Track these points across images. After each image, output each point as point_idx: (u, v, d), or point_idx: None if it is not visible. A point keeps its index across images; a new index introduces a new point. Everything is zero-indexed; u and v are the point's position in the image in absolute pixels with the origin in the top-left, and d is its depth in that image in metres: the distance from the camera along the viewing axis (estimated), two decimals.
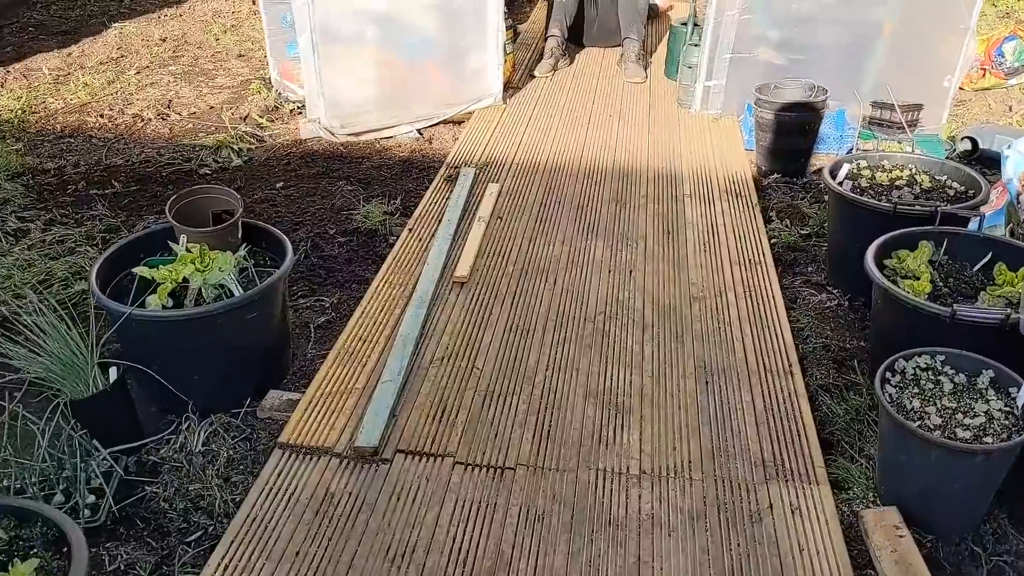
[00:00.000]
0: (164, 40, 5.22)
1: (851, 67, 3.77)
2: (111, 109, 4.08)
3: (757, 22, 3.71)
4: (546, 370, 2.12)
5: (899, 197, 2.30)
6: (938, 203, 2.20)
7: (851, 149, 3.49)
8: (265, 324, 2.02)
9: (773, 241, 2.81)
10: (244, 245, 2.14)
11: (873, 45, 3.73)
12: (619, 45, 4.64)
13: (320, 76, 3.45)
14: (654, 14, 5.60)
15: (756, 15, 3.69)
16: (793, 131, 3.14)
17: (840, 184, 2.43)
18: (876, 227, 2.26)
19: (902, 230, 2.06)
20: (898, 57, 3.75)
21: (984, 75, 4.10)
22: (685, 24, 4.27)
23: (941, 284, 1.94)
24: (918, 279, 1.92)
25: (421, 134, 3.79)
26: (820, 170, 2.96)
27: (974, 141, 3.30)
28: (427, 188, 3.17)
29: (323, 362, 2.15)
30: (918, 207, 2.15)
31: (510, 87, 4.28)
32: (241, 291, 1.95)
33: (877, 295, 1.92)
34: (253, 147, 3.64)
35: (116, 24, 5.51)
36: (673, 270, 2.60)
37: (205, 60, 4.87)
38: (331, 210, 3.05)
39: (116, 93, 4.30)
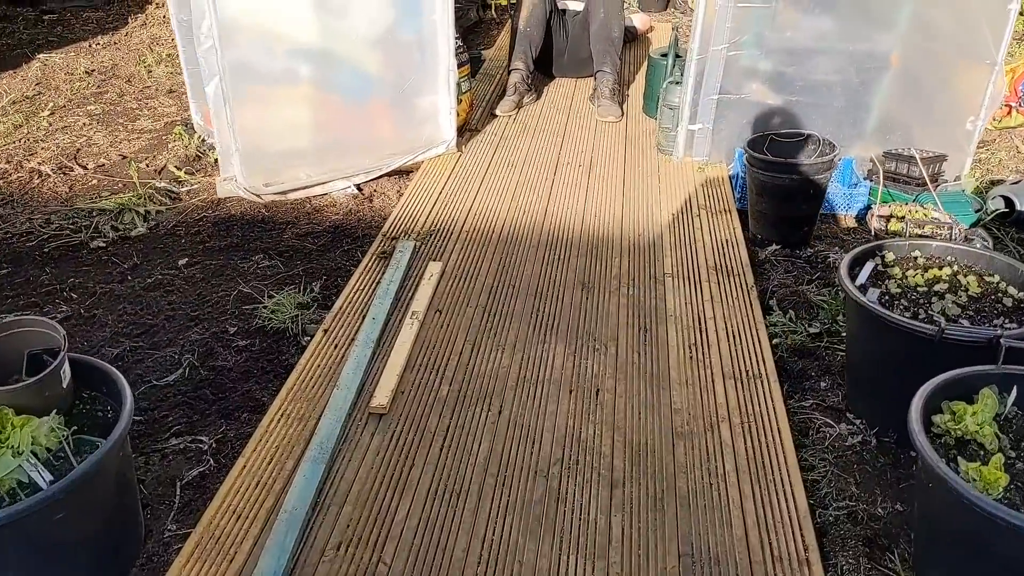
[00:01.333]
0: (90, 73, 4.65)
1: (857, 107, 3.26)
2: (8, 162, 3.51)
3: (748, 56, 3.20)
4: (477, 565, 1.57)
5: (943, 311, 1.77)
6: (999, 327, 1.67)
7: (863, 210, 2.97)
8: (88, 518, 1.47)
9: (775, 342, 2.28)
10: (71, 392, 1.59)
11: (880, 81, 3.22)
12: (592, 76, 4.12)
13: (235, 129, 2.90)
14: (631, 37, 5.08)
15: (745, 50, 3.18)
16: (795, 196, 2.62)
17: (863, 287, 1.90)
18: (914, 354, 1.74)
19: (954, 374, 1.53)
20: (911, 95, 3.24)
21: (1009, 113, 3.60)
22: (665, 56, 3.74)
23: (1017, 458, 1.41)
24: (984, 455, 1.40)
25: (360, 190, 3.24)
26: (837, 267, 2.45)
27: (1010, 201, 2.79)
28: (357, 265, 2.62)
29: (179, 553, 1.60)
30: (972, 334, 1.63)
31: (467, 129, 3.74)
32: (46, 481, 1.40)
33: (927, 475, 1.40)
34: (163, 209, 3.08)
35: (42, 55, 4.94)
36: (650, 389, 2.06)
37: (131, 97, 4.30)
38: (237, 299, 2.49)
39: (20, 140, 3.73)
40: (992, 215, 2.81)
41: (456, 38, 3.57)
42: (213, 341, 2.30)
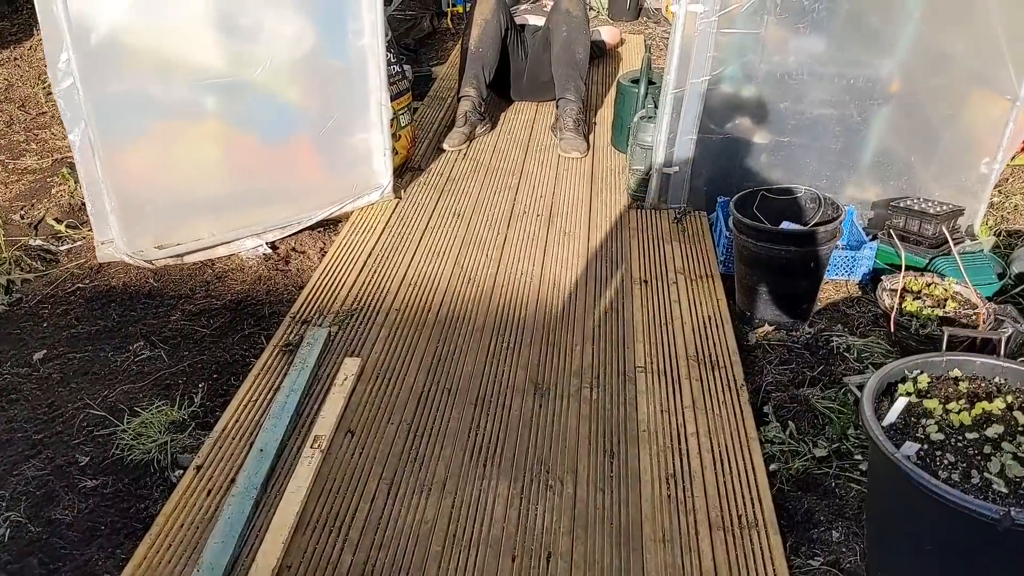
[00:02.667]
0: None
1: (855, 147, 2.81)
2: None
3: (732, 90, 2.73)
4: None
5: (1002, 471, 1.31)
6: None
7: (867, 274, 2.52)
8: None
9: (773, 468, 1.81)
10: None
11: (880, 115, 2.77)
12: (554, 100, 3.64)
13: (110, 183, 2.37)
14: (600, 53, 4.60)
15: (730, 83, 2.71)
16: (792, 271, 2.16)
17: (892, 432, 1.43)
18: (966, 536, 1.28)
19: None
20: (916, 132, 2.80)
21: (1023, 150, 3.18)
22: (636, 82, 3.27)
23: None
24: None
25: (275, 249, 2.73)
26: (856, 396, 2.00)
27: None
28: (259, 356, 2.11)
29: None
30: None
31: (409, 167, 3.24)
32: None
33: None
34: (32, 278, 2.54)
35: None
36: (617, 551, 1.59)
37: (20, 127, 3.73)
38: (95, 414, 1.97)
39: None
40: (1014, 277, 2.38)
41: (393, 63, 3.07)
42: (55, 479, 1.78)
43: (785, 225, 2.24)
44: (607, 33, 4.65)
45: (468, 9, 5.09)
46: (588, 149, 3.40)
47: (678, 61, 2.66)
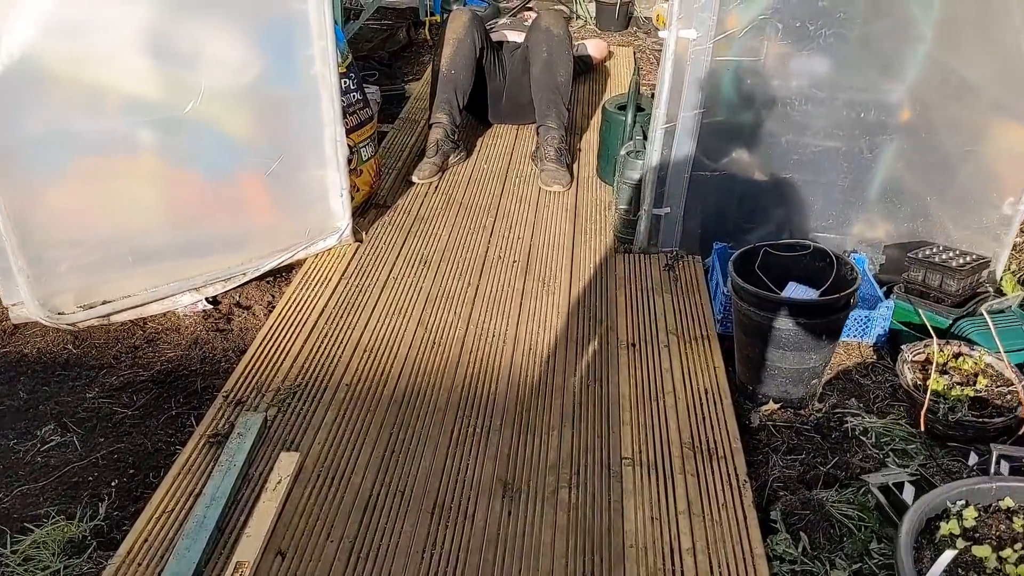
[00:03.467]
0: None
1: (864, 184, 2.53)
2: None
3: (729, 122, 2.44)
4: None
5: None
6: None
7: (883, 336, 2.25)
8: None
9: None
10: None
11: (891, 147, 2.49)
12: (535, 122, 3.35)
13: (14, 238, 2.05)
14: (585, 68, 4.31)
15: (726, 115, 2.42)
16: (801, 345, 1.87)
17: None
18: None
19: None
20: (929, 165, 2.52)
21: None
22: (623, 109, 2.98)
23: None
24: None
25: (216, 305, 2.42)
26: (878, 500, 1.72)
27: None
28: (186, 442, 1.81)
29: None
30: None
31: (374, 204, 2.94)
32: None
33: None
34: None
35: None
36: None
37: None
38: None
39: None
40: None
41: (353, 90, 2.77)
42: None
43: (792, 291, 1.96)
44: (594, 47, 4.35)
45: (444, 19, 4.81)
46: (571, 181, 3.10)
47: (668, 92, 2.37)
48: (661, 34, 2.29)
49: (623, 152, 2.70)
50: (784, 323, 1.84)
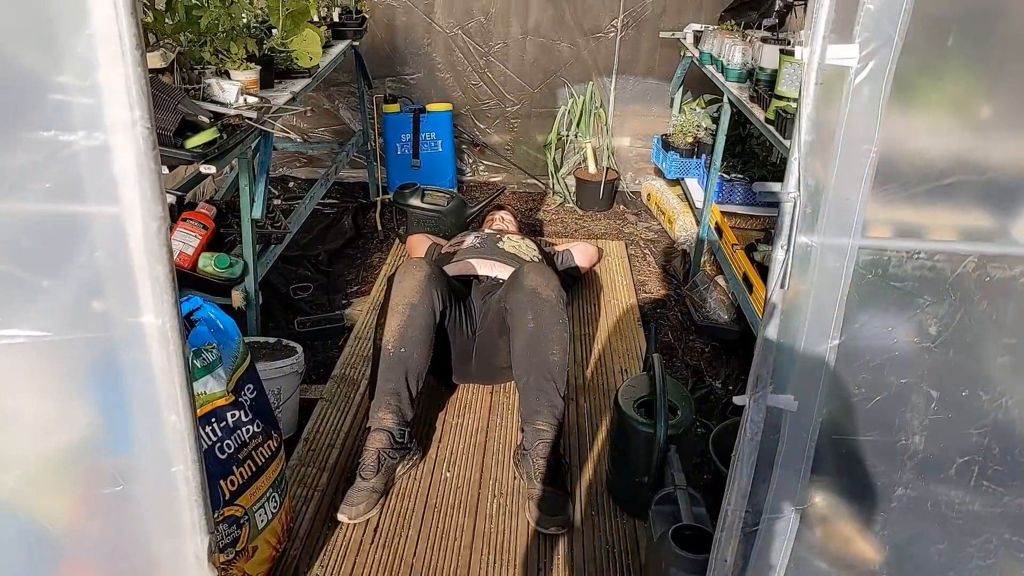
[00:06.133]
0: None
1: None
2: None
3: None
4: None
5: None
6: None
7: None
8: None
9: None
10: None
11: None
12: (512, 381, 2.44)
13: None
14: (573, 281, 3.49)
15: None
16: None
17: None
18: None
19: None
20: None
21: None
22: (643, 405, 2.09)
23: None
24: None
25: None
26: None
27: None
28: None
29: None
30: None
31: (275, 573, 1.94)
32: None
33: None
34: None
35: None
36: None
37: None
38: None
39: None
40: None
41: (245, 421, 1.83)
42: None
43: None
44: (581, 254, 3.53)
45: (399, 230, 3.96)
46: (571, 518, 2.15)
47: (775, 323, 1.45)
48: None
49: (654, 503, 1.78)
50: None
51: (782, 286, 1.24)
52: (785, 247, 1.26)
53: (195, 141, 2.14)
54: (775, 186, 1.32)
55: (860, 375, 1.34)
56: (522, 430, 2.29)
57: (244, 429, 1.83)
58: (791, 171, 1.23)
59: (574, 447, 2.46)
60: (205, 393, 1.75)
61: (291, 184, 4.78)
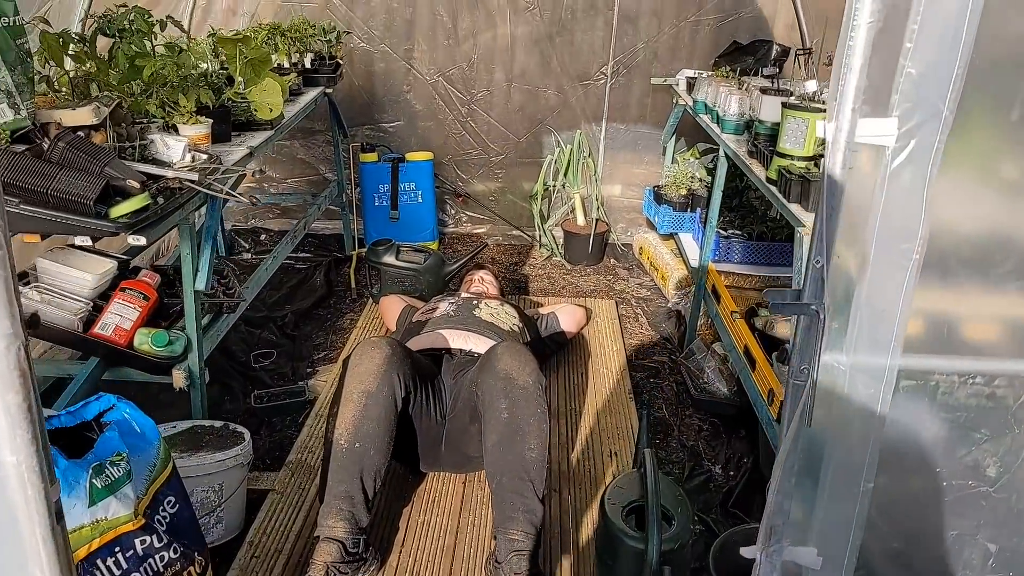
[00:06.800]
0: None
1: None
2: None
3: None
4: None
5: None
6: None
7: None
8: None
9: None
10: None
11: None
12: (482, 470, 2.15)
13: None
14: (559, 345, 3.22)
15: None
16: None
17: None
18: None
19: None
20: None
21: None
22: (632, 513, 1.80)
23: None
24: None
25: None
26: None
27: None
28: None
29: None
30: None
31: None
32: None
33: None
34: None
35: None
36: None
37: None
38: None
39: None
40: None
41: (161, 547, 1.54)
42: None
43: None
44: (567, 318, 3.26)
45: (373, 289, 3.70)
46: None
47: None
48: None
49: None
50: None
51: (809, 424, 0.98)
52: (808, 369, 1.00)
53: (121, 209, 1.89)
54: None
55: (902, 525, 1.07)
56: (495, 538, 2.00)
57: (158, 556, 1.54)
58: (811, 277, 0.97)
59: (555, 551, 2.15)
60: (106, 519, 1.46)
61: (263, 236, 4.53)
